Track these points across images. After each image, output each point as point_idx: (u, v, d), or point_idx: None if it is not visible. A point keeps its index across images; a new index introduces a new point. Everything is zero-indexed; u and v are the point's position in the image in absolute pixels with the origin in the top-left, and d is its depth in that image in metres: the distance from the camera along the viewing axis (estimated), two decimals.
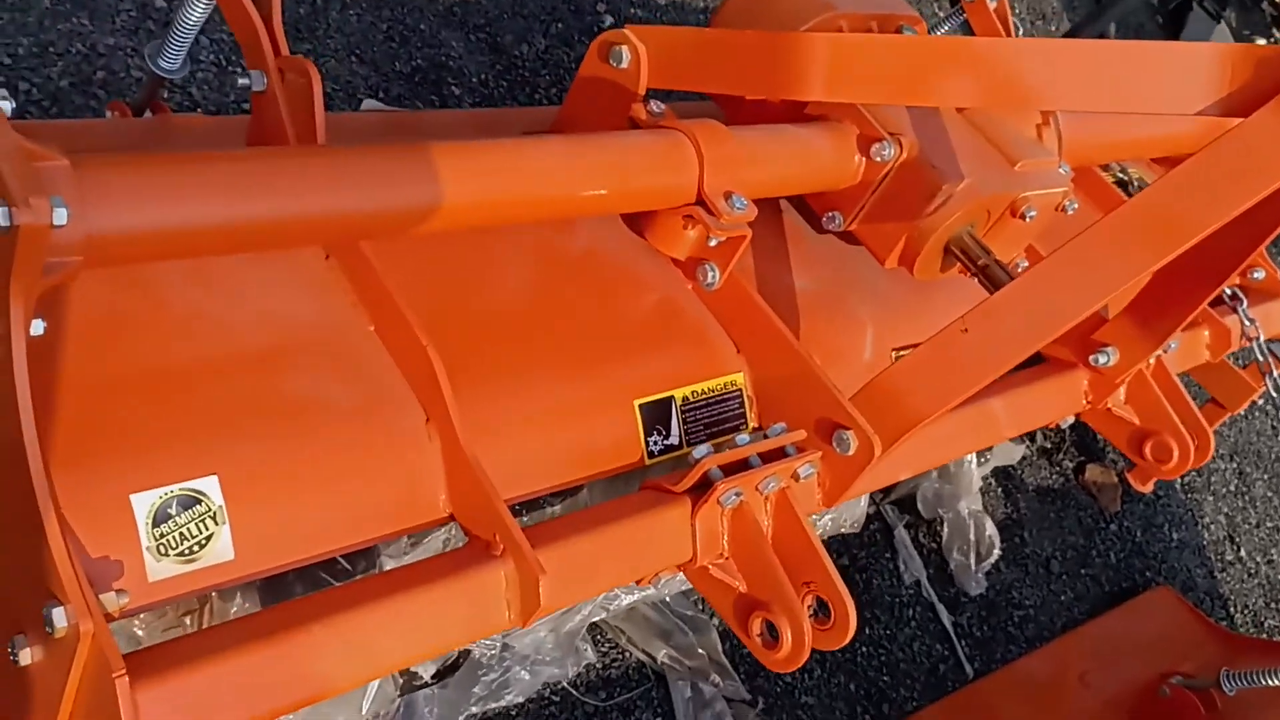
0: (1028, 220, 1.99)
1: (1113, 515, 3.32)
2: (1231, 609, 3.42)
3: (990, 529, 2.85)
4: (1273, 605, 3.54)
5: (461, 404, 1.43)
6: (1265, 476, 3.81)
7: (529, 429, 1.56)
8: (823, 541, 1.58)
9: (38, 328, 1.14)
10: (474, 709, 2.01)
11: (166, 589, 1.23)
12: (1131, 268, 1.59)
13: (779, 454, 1.63)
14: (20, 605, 1.15)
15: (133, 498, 1.21)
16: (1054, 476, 3.29)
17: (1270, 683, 2.51)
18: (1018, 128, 2.07)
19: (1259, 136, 1.54)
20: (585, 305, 1.76)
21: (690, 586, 2.30)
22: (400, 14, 2.87)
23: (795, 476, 1.63)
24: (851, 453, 1.67)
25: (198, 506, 1.25)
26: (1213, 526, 3.51)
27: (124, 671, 1.06)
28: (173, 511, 1.23)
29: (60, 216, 1.07)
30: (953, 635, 2.75)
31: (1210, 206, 1.55)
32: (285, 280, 1.49)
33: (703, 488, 1.55)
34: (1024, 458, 3.26)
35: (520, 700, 2.09)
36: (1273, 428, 3.98)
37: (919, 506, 2.74)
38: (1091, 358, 2.18)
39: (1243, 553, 3.53)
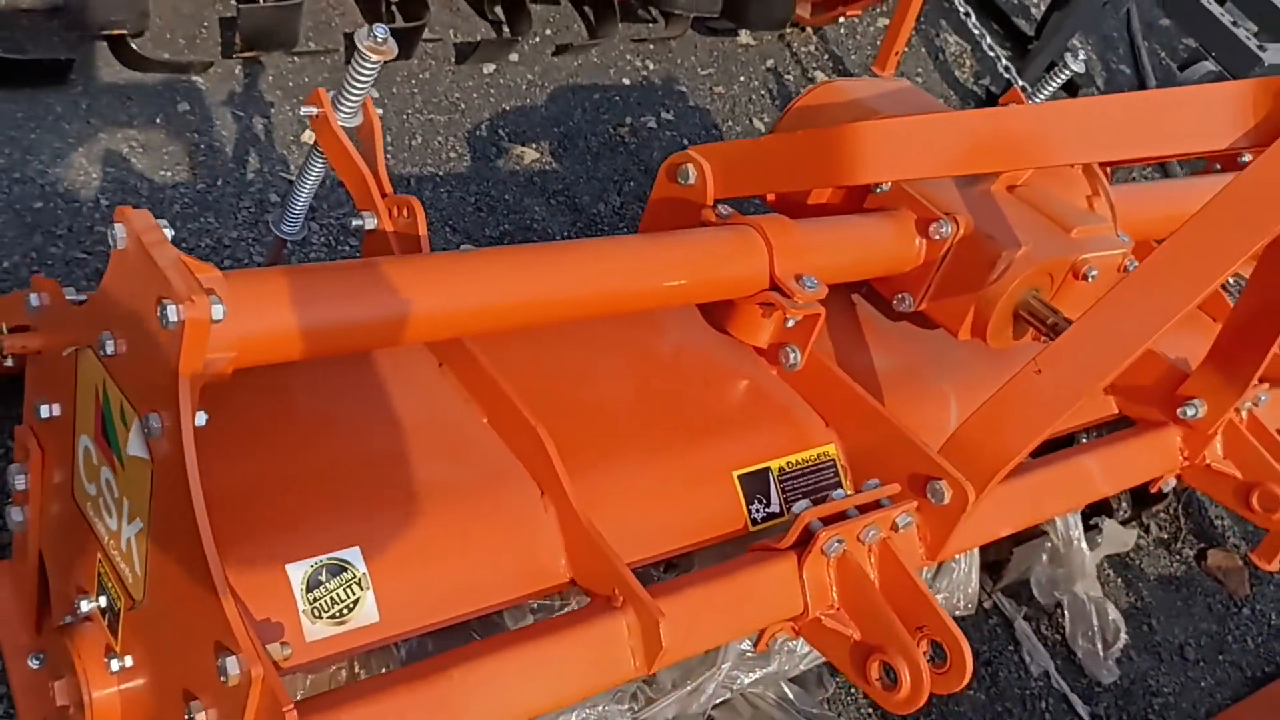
0: (1090, 280, 2.08)
1: (1243, 599, 3.24)
2: None
3: (1114, 613, 2.81)
4: None
5: (571, 484, 1.55)
6: None
7: (635, 504, 1.67)
8: None
9: (200, 419, 1.30)
10: None
11: (322, 649, 1.35)
12: (1185, 296, 1.67)
13: (875, 506, 1.71)
14: (195, 670, 1.28)
15: (288, 567, 1.35)
16: (1175, 565, 3.25)
17: None
18: (1069, 200, 2.19)
19: None
20: (678, 394, 1.89)
21: (814, 669, 2.34)
22: (486, 187, 3.13)
23: (894, 526, 1.70)
24: (947, 502, 1.75)
25: (344, 574, 1.38)
26: None
27: (293, 707, 1.17)
28: (323, 579, 1.36)
29: (218, 312, 1.25)
30: None
31: (1246, 232, 1.65)
32: (406, 386, 1.66)
33: (807, 543, 1.63)
34: (1141, 548, 3.22)
35: None
36: None
37: (1035, 592, 2.73)
38: (1179, 412, 2.22)
39: None
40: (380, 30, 1.74)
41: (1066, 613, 2.78)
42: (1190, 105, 1.72)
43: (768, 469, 1.82)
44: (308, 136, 3.03)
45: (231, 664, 1.19)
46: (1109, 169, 2.41)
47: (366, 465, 1.52)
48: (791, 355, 1.92)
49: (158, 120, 2.86)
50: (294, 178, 2.00)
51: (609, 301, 1.70)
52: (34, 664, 1.81)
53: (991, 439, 1.75)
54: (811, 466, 1.86)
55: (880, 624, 1.63)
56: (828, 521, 1.64)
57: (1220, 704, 2.91)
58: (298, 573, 1.35)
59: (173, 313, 1.22)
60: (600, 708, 1.84)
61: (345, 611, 1.37)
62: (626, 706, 1.88)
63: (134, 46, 2.84)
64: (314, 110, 1.82)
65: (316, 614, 1.35)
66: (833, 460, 1.89)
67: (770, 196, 2.21)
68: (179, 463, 1.25)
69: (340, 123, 1.83)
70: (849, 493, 1.88)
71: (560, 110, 3.53)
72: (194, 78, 3.00)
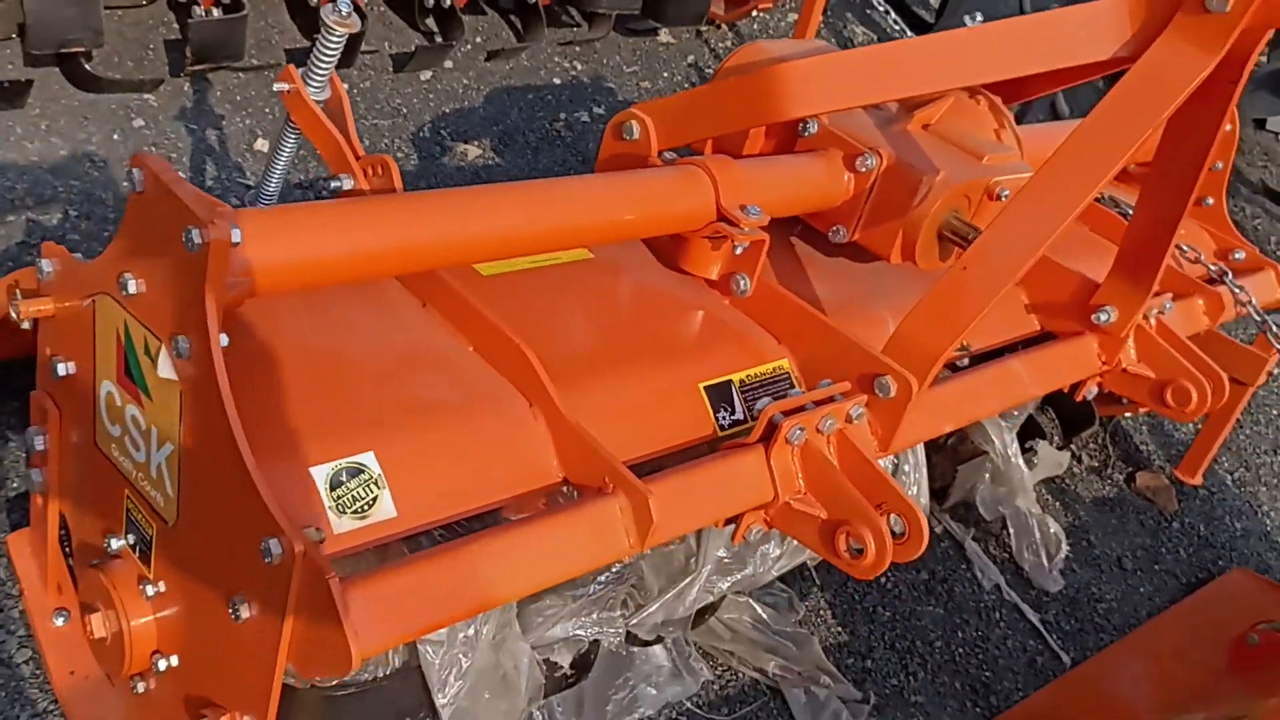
0: (1003, 200, 2.29)
1: (1173, 515, 3.47)
2: None
3: (1054, 526, 3.02)
4: None
5: (558, 391, 1.71)
6: None
7: (612, 415, 1.81)
8: None
9: (223, 341, 1.44)
10: None
11: (349, 540, 1.49)
12: (1083, 190, 1.88)
13: (829, 401, 1.89)
14: (235, 566, 1.41)
15: (311, 469, 1.49)
16: (1107, 488, 3.47)
17: None
18: (978, 133, 2.41)
19: (1156, 65, 1.86)
20: (641, 325, 2.06)
21: (784, 595, 2.50)
22: (434, 183, 3.30)
23: (848, 418, 1.88)
24: (893, 395, 1.93)
25: (362, 475, 1.52)
26: (1272, 513, 3.65)
27: (335, 575, 1.31)
28: (344, 479, 1.51)
29: (237, 235, 1.39)
30: (1043, 630, 2.89)
31: (1127, 131, 1.87)
32: (396, 323, 1.81)
33: (772, 435, 1.80)
34: (1074, 475, 3.45)
35: (650, 714, 2.27)
36: None
37: (980, 509, 2.93)
38: (1094, 318, 2.44)
39: None
40: (344, 4, 1.90)
41: (1010, 528, 2.99)
42: (1073, 21, 1.93)
43: (729, 381, 1.99)
44: (260, 145, 3.16)
45: (274, 545, 1.32)
46: (1013, 110, 2.63)
47: (369, 387, 1.66)
48: (742, 282, 2.10)
49: (115, 137, 2.98)
50: (266, 160, 2.15)
51: (572, 234, 1.87)
52: (59, 621, 1.92)
53: (928, 333, 1.94)
54: (768, 378, 2.04)
55: (844, 501, 1.80)
56: (789, 414, 1.81)
57: (1159, 607, 3.13)
58: (320, 474, 1.49)
59: (197, 235, 1.36)
60: (595, 615, 1.99)
61: (366, 507, 1.51)
62: (619, 613, 2.03)
63: (87, 68, 2.96)
64: (286, 86, 1.97)
65: (341, 509, 1.49)
66: (787, 373, 2.07)
67: (708, 149, 2.40)
68: (209, 374, 1.39)
69: (311, 96, 1.98)
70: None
71: (497, 110, 3.70)
72: (145, 96, 3.12)
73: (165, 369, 1.47)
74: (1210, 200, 3.27)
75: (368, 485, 1.52)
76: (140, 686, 1.69)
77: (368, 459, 1.54)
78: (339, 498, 1.49)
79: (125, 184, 1.44)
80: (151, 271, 1.47)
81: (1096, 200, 3.02)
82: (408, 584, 1.40)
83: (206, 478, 1.46)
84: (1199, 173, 2.17)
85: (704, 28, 4.55)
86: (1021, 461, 2.88)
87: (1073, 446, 3.44)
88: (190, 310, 1.40)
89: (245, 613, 1.41)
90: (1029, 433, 3.10)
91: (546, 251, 1.92)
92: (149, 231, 1.45)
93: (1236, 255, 3.21)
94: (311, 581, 1.32)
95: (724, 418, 1.95)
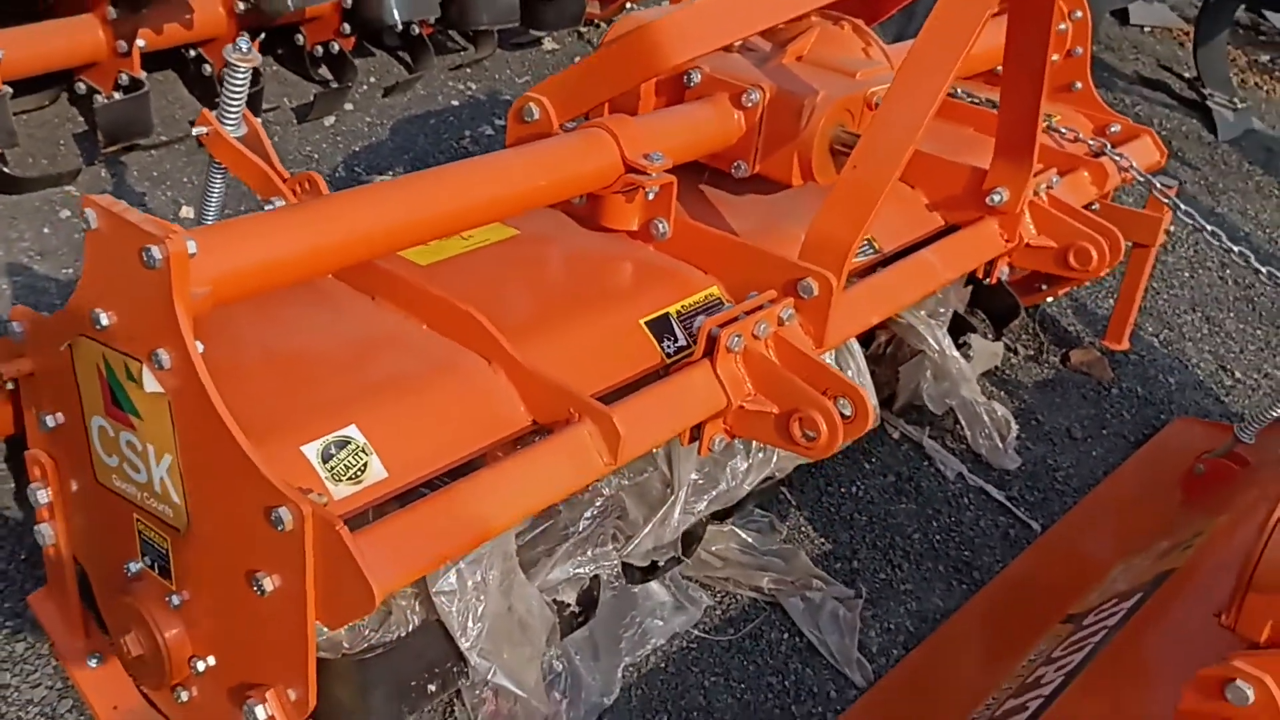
0: None
1: (1110, 383, 3.67)
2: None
3: (1001, 410, 3.21)
4: None
5: (512, 345, 1.86)
6: (1231, 315, 4.19)
7: (565, 359, 1.95)
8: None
9: (199, 347, 1.57)
10: (625, 659, 2.34)
11: (350, 503, 1.62)
12: (941, 77, 2.07)
13: (760, 309, 2.05)
14: (251, 548, 1.54)
15: (302, 448, 1.63)
16: (1045, 371, 3.67)
17: (1275, 413, 2.84)
18: (848, 54, 2.60)
19: None
20: (577, 281, 2.22)
21: (765, 519, 2.66)
22: None
23: (780, 321, 2.05)
24: (816, 294, 2.10)
25: (349, 445, 1.66)
26: (1201, 365, 3.86)
27: (343, 524, 1.44)
28: (334, 451, 1.64)
29: (192, 247, 1.53)
30: (1009, 506, 3.07)
31: (971, 13, 2.06)
32: (351, 317, 1.95)
33: (714, 349, 1.96)
34: (1013, 364, 3.64)
35: (662, 643, 2.41)
36: (1220, 278, 4.40)
37: (928, 405, 3.10)
38: (988, 200, 2.63)
39: (1238, 374, 3.86)
40: (244, 43, 2.05)
41: (961, 418, 3.16)
42: None
43: (667, 313, 2.14)
44: (186, 212, 3.28)
45: (283, 513, 1.45)
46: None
47: (339, 372, 1.80)
48: (660, 226, 2.26)
49: (45, 230, 3.09)
50: (197, 209, 2.28)
51: (495, 206, 2.02)
52: (93, 663, 2.03)
53: (835, 230, 2.12)
54: (702, 305, 2.20)
55: (790, 392, 1.96)
56: (724, 326, 1.97)
57: (1113, 465, 3.32)
58: (312, 450, 1.63)
59: (156, 252, 1.49)
60: (590, 552, 2.13)
61: (359, 473, 1.64)
62: (611, 547, 2.17)
63: (5, 170, 3.07)
64: (204, 129, 2.11)
65: (337, 478, 1.62)
66: (719, 298, 2.23)
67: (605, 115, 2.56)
68: (192, 377, 1.52)
69: (229, 133, 2.12)
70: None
71: (405, 140, 3.85)
72: (67, 187, 3.23)
73: (150, 384, 1.60)
74: (1079, 85, 3.48)
75: (356, 454, 1.66)
76: (184, 695, 1.81)
77: (352, 431, 1.68)
78: (332, 468, 1.63)
79: (84, 222, 1.56)
80: (120, 300, 1.59)
81: (975, 103, 3.23)
82: (412, 524, 1.54)
83: (209, 474, 1.59)
84: (1046, 48, 2.37)
85: (584, 29, 4.72)
86: (958, 354, 3.06)
87: (1006, 339, 3.63)
88: (163, 323, 1.53)
89: (269, 585, 1.53)
90: (961, 328, 3.28)
91: (475, 225, 2.07)
92: (110, 263, 1.58)
93: (1113, 129, 3.43)
94: (324, 536, 1.45)
95: (668, 346, 2.11)
